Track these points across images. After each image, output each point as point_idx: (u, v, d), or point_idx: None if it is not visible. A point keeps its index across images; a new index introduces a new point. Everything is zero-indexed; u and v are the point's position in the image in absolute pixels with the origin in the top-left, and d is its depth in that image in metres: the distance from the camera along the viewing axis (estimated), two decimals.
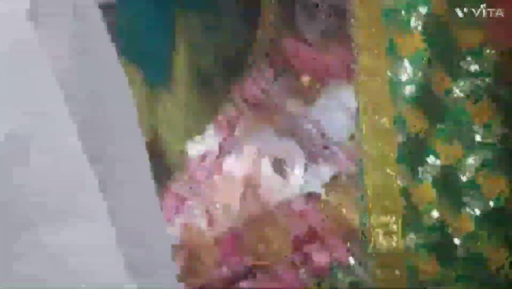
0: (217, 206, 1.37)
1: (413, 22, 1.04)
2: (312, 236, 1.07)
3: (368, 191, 1.03)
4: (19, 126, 0.48)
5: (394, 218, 1.01)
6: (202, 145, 1.56)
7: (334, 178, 1.12)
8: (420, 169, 1.04)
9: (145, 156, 0.63)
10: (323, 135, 1.25)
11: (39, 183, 0.47)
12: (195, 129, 1.71)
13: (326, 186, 1.12)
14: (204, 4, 1.77)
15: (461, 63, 1.07)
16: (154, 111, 1.91)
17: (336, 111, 1.26)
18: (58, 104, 0.49)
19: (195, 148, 1.56)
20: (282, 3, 1.51)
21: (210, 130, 1.57)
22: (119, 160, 0.57)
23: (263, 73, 1.60)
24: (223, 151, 1.49)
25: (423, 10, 1.04)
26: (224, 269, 1.21)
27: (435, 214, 1.02)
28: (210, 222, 1.36)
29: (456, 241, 1.04)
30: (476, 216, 1.04)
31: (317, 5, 1.33)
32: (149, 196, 0.61)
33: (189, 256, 1.28)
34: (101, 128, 0.55)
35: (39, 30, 0.50)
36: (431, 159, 1.04)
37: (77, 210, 0.47)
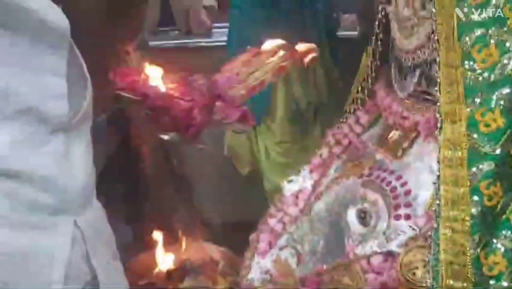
0: (306, 247, 1.48)
1: (493, 102, 1.09)
2: None
3: (441, 256, 1.10)
4: None
5: (464, 284, 1.08)
6: (296, 184, 1.67)
7: (413, 238, 1.20)
8: (494, 240, 1.09)
9: None
10: (407, 192, 1.32)
11: None
12: (292, 168, 1.82)
13: (405, 245, 1.20)
14: None
15: None
16: (255, 146, 2.07)
17: (422, 172, 1.32)
18: None
19: (290, 186, 1.67)
20: (377, 58, 1.60)
21: (305, 172, 1.68)
22: None
23: (358, 120, 1.69)
24: (315, 192, 1.60)
25: (504, 90, 1.09)
26: None
27: (504, 283, 1.08)
28: (299, 261, 1.47)
29: None
30: None
31: (410, 68, 1.41)
32: None
33: None
34: None
35: None
36: (505, 232, 1.09)
37: None
